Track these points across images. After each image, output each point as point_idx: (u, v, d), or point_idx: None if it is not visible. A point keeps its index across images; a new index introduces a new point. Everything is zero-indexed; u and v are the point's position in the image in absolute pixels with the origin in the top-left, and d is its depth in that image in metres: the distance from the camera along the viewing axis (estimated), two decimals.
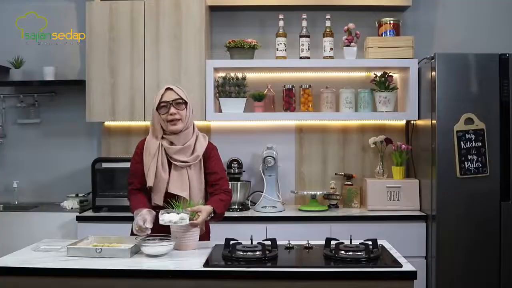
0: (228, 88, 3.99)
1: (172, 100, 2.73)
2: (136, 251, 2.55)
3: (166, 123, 2.74)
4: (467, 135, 3.59)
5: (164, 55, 3.95)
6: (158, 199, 2.75)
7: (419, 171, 4.01)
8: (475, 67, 3.63)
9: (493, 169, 3.59)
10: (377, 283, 2.28)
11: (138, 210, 2.69)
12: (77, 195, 4.10)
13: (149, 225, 2.59)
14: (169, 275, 2.30)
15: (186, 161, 2.76)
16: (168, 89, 2.76)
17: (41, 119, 4.35)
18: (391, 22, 4.03)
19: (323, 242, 2.60)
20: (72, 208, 3.96)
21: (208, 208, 2.65)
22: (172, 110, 2.72)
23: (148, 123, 3.87)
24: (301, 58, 4.03)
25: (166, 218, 2.55)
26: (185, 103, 2.75)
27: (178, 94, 2.74)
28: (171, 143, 2.77)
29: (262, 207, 3.93)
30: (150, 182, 2.75)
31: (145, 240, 2.54)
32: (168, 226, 2.61)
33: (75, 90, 4.21)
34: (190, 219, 2.55)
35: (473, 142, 3.59)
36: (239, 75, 4.03)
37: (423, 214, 3.81)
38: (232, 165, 4.04)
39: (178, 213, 2.55)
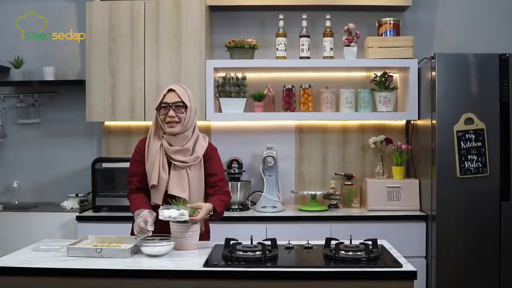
0: (228, 88, 3.99)
1: (173, 103, 2.72)
2: (136, 251, 2.55)
3: (164, 124, 2.75)
4: (467, 135, 3.59)
5: (164, 55, 3.95)
6: (157, 199, 2.75)
7: (419, 171, 4.01)
8: (475, 67, 3.63)
9: (493, 169, 3.59)
10: (377, 283, 2.28)
11: (139, 211, 2.69)
12: (77, 195, 4.10)
13: (150, 227, 2.59)
14: (169, 275, 2.30)
15: (185, 161, 2.76)
16: (170, 90, 2.75)
17: (41, 119, 4.35)
18: (391, 22, 4.03)
19: (323, 242, 2.60)
20: (72, 208, 3.97)
21: (208, 206, 2.65)
22: (171, 112, 2.72)
23: (148, 123, 3.88)
24: (301, 58, 4.03)
25: (165, 213, 2.56)
26: (185, 106, 2.75)
27: (179, 97, 2.73)
28: (170, 144, 2.77)
29: (262, 207, 3.92)
30: (154, 180, 2.74)
31: (145, 240, 2.54)
32: (169, 226, 2.61)
33: (75, 90, 4.21)
34: (189, 216, 2.55)
35: (473, 142, 3.58)
36: (239, 75, 4.03)
37: (423, 214, 3.81)
38: (232, 165, 4.04)
39: (178, 209, 2.55)
